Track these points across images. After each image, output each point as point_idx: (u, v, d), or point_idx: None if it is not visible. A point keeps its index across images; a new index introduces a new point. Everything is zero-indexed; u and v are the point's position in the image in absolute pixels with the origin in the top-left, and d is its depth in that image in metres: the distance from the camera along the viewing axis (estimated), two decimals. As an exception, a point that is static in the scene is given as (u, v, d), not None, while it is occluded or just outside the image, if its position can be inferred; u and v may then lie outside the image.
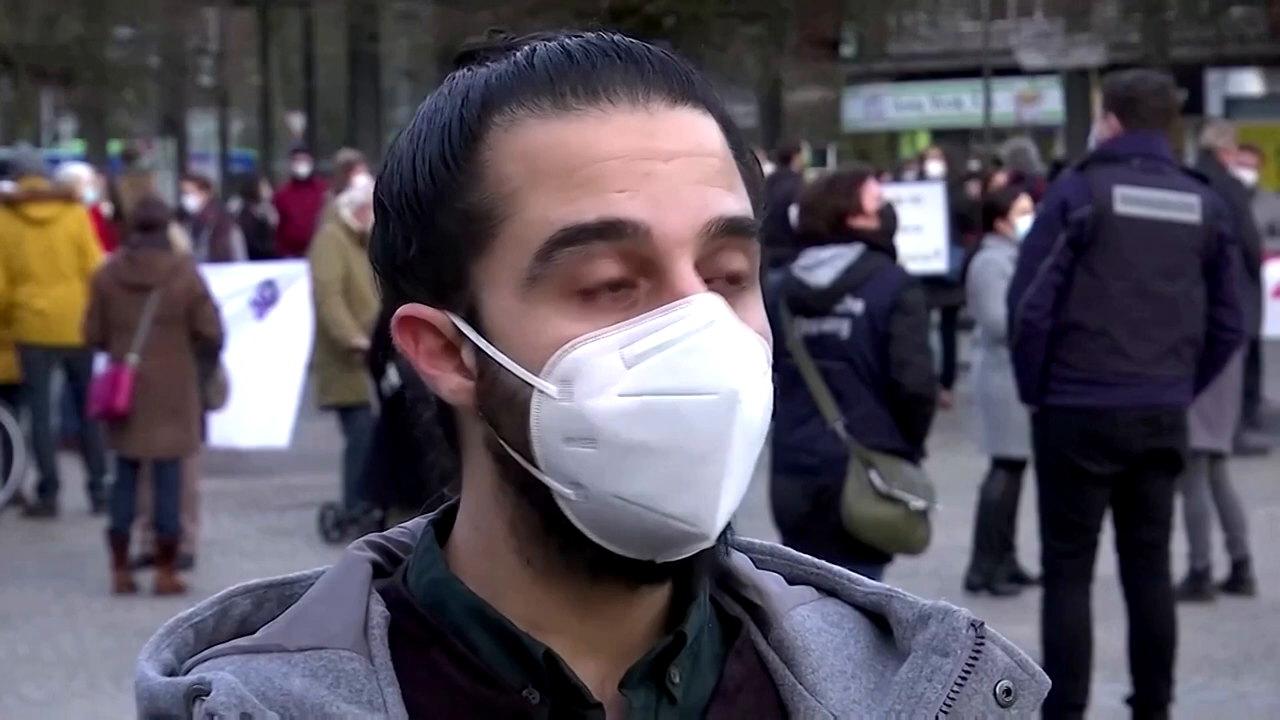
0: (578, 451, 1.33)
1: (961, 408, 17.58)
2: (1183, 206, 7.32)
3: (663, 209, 1.34)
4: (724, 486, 1.33)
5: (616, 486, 1.33)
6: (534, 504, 1.37)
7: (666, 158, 1.35)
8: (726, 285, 1.37)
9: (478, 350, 1.37)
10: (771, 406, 1.37)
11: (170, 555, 10.86)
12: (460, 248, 1.37)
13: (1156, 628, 7.53)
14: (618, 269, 1.34)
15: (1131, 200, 7.25)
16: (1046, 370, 7.33)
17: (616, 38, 1.40)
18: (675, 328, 1.33)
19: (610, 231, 1.33)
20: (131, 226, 11.52)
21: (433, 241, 1.38)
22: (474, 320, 1.37)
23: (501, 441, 1.37)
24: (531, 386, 1.34)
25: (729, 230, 1.36)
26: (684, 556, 1.36)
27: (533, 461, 1.36)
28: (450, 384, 1.40)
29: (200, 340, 10.78)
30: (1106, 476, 7.36)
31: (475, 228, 1.36)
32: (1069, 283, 7.25)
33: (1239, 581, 10.35)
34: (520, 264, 1.34)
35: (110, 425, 10.85)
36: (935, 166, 20.94)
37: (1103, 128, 7.46)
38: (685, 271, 1.34)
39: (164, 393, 10.61)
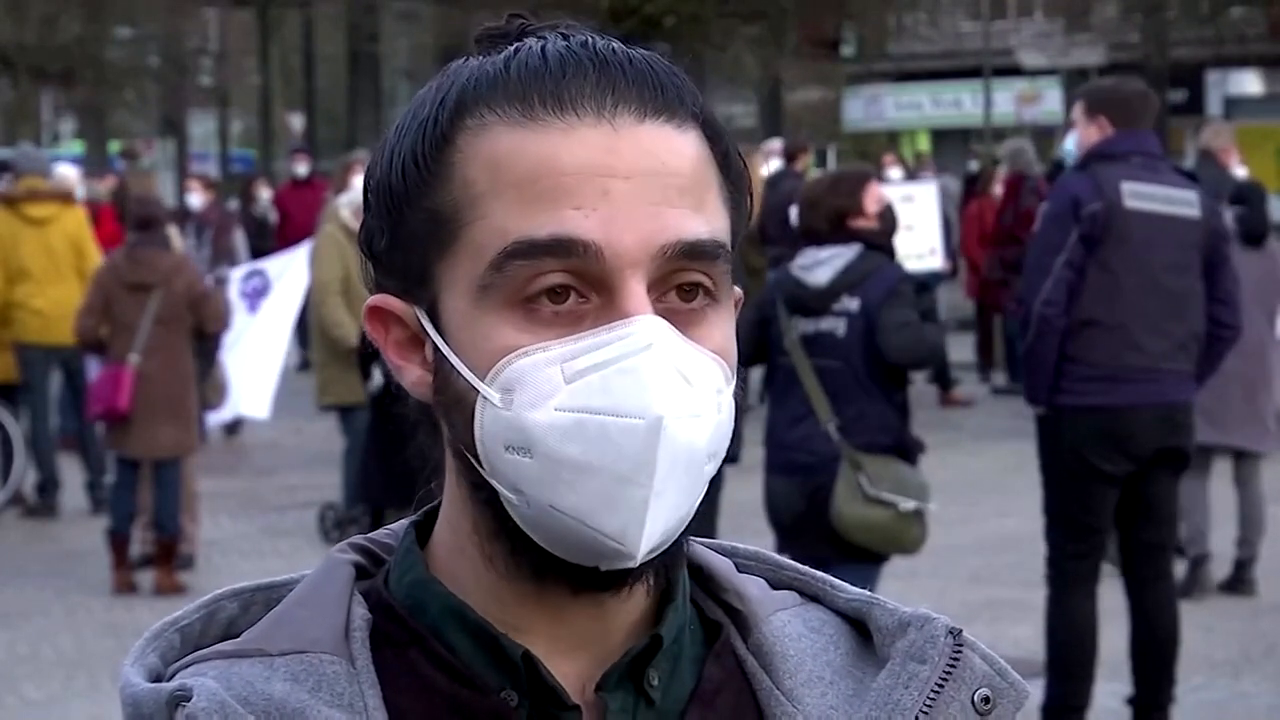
0: (517, 460, 1.35)
1: (961, 408, 17.59)
2: (1184, 202, 7.33)
3: (616, 229, 1.34)
4: (652, 509, 1.33)
5: (552, 498, 1.34)
6: (486, 504, 1.38)
7: (626, 175, 1.35)
8: (683, 305, 1.36)
9: (436, 347, 1.39)
10: (730, 425, 1.37)
11: (170, 555, 10.85)
12: (425, 246, 1.38)
13: (1160, 628, 7.50)
14: (563, 280, 1.34)
15: (1139, 195, 7.25)
16: (1058, 369, 7.30)
17: (600, 44, 1.39)
18: (614, 348, 1.33)
19: (561, 249, 1.33)
20: (129, 225, 11.50)
21: (401, 235, 1.40)
22: (434, 317, 1.39)
23: (455, 439, 1.39)
24: (477, 391, 1.35)
25: (687, 254, 1.35)
26: (626, 567, 1.36)
27: (479, 463, 1.37)
28: (413, 376, 1.41)
29: (206, 338, 10.81)
30: (1120, 476, 7.34)
31: (439, 228, 1.37)
32: (1081, 279, 7.24)
33: (1239, 581, 10.34)
34: (475, 270, 1.35)
35: (110, 425, 10.84)
36: (894, 173, 21.30)
37: (1091, 130, 7.42)
38: (634, 292, 1.34)
39: (164, 392, 10.61)
